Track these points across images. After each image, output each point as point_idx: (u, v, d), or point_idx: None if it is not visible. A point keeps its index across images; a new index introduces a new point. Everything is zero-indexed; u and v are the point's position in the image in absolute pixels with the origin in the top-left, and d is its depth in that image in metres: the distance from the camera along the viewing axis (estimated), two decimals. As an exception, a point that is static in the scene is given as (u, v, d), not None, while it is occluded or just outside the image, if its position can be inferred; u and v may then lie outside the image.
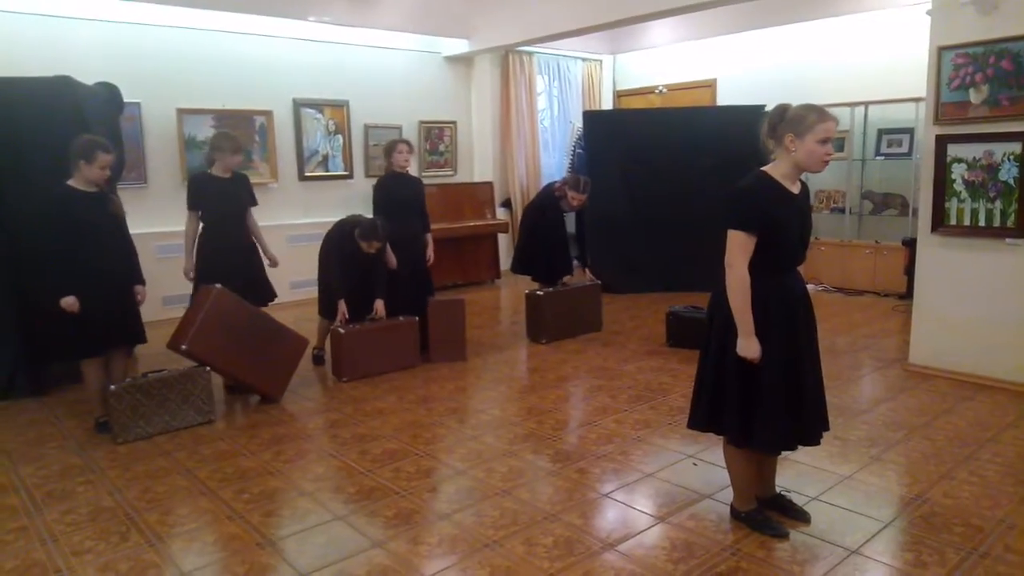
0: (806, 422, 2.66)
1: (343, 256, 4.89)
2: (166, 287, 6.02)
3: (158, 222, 6.35)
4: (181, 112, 6.73)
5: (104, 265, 3.92)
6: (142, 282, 4.20)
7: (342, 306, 4.83)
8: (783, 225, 2.57)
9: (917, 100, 6.63)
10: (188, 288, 4.62)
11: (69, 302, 3.80)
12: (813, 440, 2.72)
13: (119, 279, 4.04)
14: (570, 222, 5.99)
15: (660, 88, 9.55)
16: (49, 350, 4.61)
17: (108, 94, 5.14)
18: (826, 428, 2.77)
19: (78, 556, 2.72)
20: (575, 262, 6.17)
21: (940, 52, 4.43)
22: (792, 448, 2.78)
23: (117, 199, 4.13)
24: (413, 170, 5.64)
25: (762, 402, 2.60)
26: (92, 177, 3.88)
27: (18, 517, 3.04)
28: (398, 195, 5.20)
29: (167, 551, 2.75)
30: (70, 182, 3.87)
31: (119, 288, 4.03)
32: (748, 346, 2.56)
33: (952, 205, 4.51)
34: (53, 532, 2.90)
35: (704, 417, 2.77)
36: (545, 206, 5.85)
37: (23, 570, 2.64)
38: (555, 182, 6.03)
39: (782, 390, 2.60)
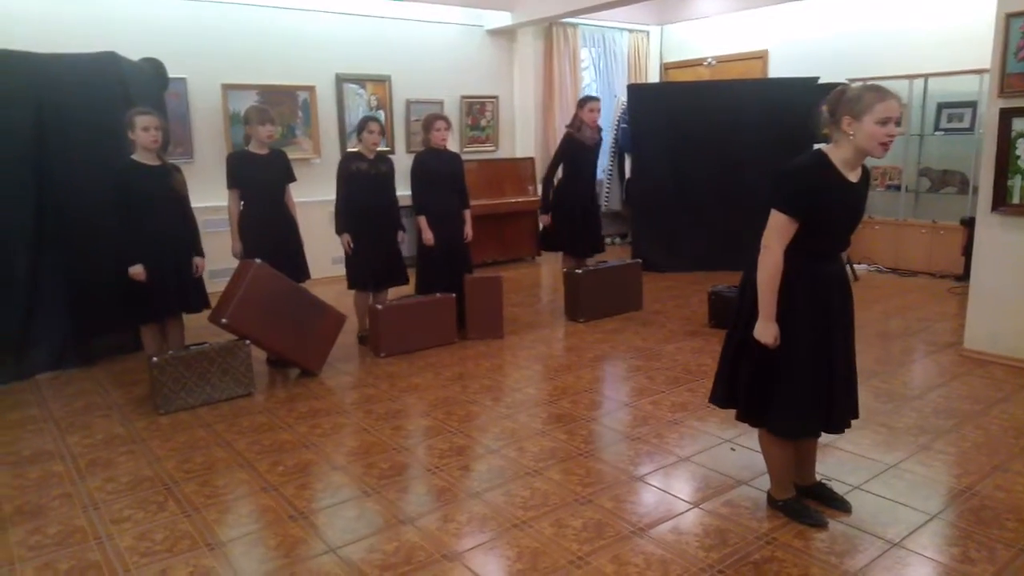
0: (833, 409, 2.57)
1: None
2: (210, 261, 6.12)
3: (205, 197, 6.43)
4: (226, 87, 6.78)
5: (164, 235, 4.16)
6: (201, 254, 4.41)
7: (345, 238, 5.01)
8: (831, 214, 2.45)
9: (981, 72, 6.29)
10: (230, 262, 4.68)
11: (136, 271, 4.08)
12: (839, 428, 2.63)
13: (178, 250, 4.27)
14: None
15: (709, 60, 9.27)
16: (106, 318, 4.77)
17: (153, 70, 5.20)
18: (855, 416, 2.67)
19: (117, 524, 2.79)
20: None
21: (1008, 19, 4.18)
22: (814, 435, 2.67)
23: (181, 175, 4.31)
24: (454, 146, 5.60)
25: (781, 386, 2.52)
26: (141, 142, 4.09)
27: (63, 484, 3.14)
28: (436, 171, 5.15)
29: (202, 521, 2.80)
30: (134, 156, 4.13)
31: (178, 258, 4.26)
32: (765, 330, 2.48)
33: (1015, 183, 4.27)
34: (95, 499, 2.99)
35: (723, 393, 2.72)
36: (563, 154, 5.90)
37: (65, 535, 2.72)
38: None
39: (806, 376, 2.51)
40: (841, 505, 2.77)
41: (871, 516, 2.72)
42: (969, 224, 6.05)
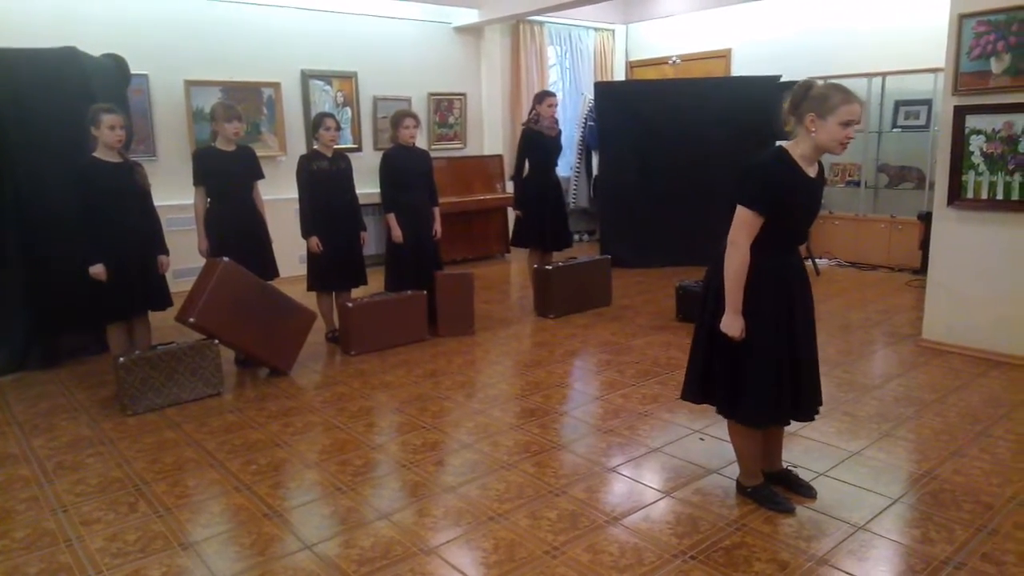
0: (799, 397, 2.65)
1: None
2: (175, 260, 6.02)
3: (168, 195, 6.33)
4: (189, 84, 6.68)
5: (128, 233, 4.11)
6: (165, 252, 4.36)
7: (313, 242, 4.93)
8: (793, 209, 2.53)
9: (935, 71, 6.48)
10: (195, 261, 4.62)
11: (97, 271, 4.02)
12: (808, 416, 2.71)
13: (143, 247, 4.22)
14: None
15: (674, 59, 9.39)
16: (71, 317, 4.67)
17: (115, 66, 5.09)
18: (819, 403, 2.76)
19: (87, 526, 2.75)
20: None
21: (961, 20, 4.31)
22: (782, 423, 2.75)
23: (142, 170, 4.25)
24: (422, 143, 5.59)
25: (748, 377, 2.59)
26: (106, 140, 4.03)
27: (30, 487, 3.08)
28: (405, 168, 5.14)
29: (175, 521, 2.77)
30: (95, 154, 4.06)
31: (142, 256, 4.21)
32: (732, 323, 2.54)
33: (969, 178, 4.41)
34: (63, 502, 2.93)
35: (696, 389, 2.77)
36: (526, 147, 5.90)
37: (34, 539, 2.67)
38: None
39: (772, 366, 2.58)
40: (807, 491, 2.84)
41: (836, 501, 2.80)
42: (926, 219, 6.23)
